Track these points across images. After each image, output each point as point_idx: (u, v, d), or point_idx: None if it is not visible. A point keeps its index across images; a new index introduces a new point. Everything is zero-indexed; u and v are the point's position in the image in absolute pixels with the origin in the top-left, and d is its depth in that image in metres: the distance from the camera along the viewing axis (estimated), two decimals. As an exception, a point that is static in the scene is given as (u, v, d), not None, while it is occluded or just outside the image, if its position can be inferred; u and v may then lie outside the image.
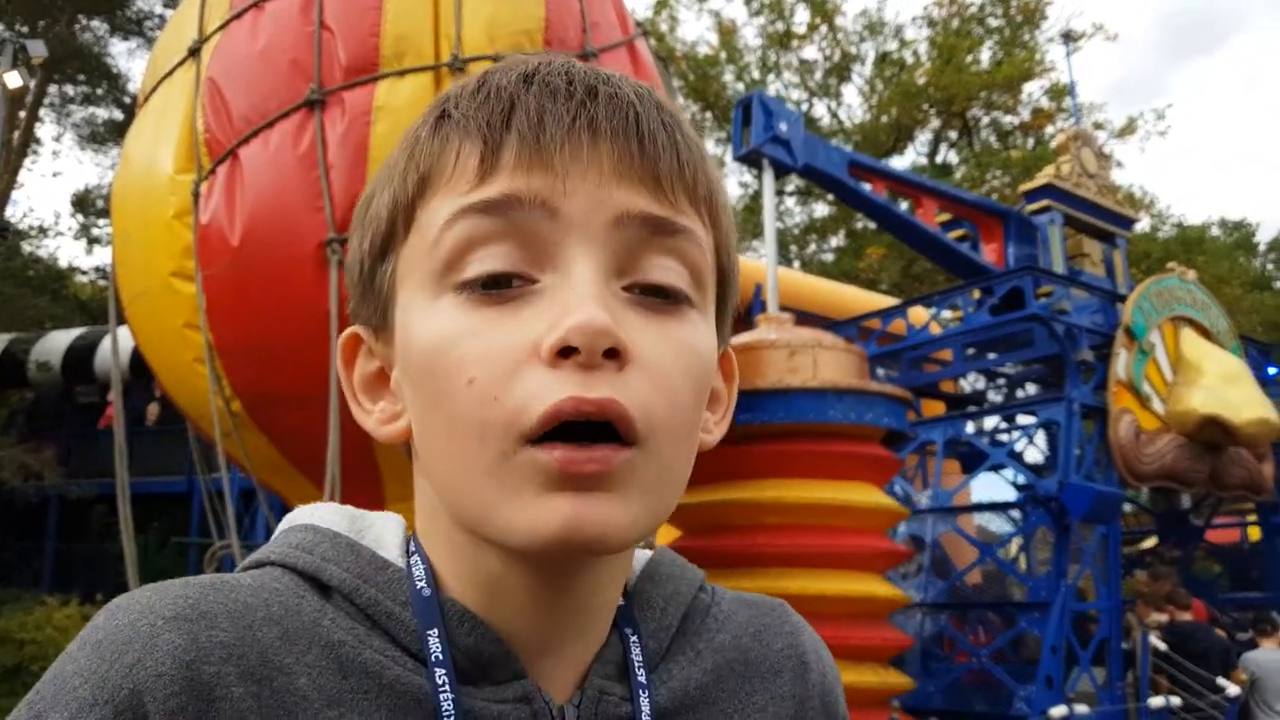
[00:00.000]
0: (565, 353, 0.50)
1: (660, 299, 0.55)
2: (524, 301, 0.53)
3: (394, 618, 0.57)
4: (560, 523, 0.50)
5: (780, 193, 24.24)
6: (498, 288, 0.53)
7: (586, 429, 0.51)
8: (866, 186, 8.60)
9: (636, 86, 0.57)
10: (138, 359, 4.68)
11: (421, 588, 0.57)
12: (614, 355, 0.51)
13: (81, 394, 14.73)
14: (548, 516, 0.51)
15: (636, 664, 0.60)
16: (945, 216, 9.44)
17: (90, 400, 14.41)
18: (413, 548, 0.60)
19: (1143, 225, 21.22)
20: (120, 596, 0.54)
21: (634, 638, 0.61)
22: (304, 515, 0.63)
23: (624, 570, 0.62)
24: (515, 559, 0.56)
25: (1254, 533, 10.03)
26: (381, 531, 0.62)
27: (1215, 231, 24.01)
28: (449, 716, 0.54)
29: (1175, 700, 6.48)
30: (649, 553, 0.68)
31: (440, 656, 0.55)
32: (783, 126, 7.46)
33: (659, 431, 0.53)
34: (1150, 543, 11.10)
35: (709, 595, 0.69)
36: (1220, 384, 8.12)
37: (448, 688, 0.54)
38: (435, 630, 0.56)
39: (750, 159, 7.61)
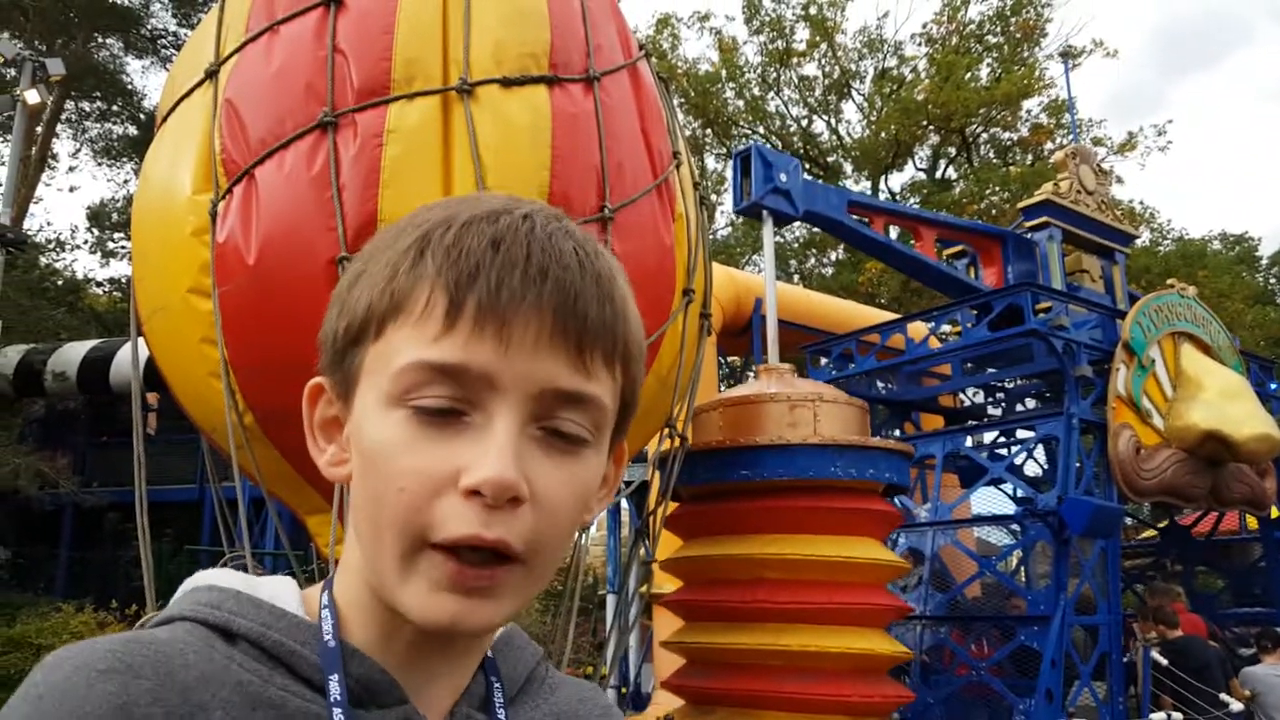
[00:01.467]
0: (477, 493, 0.63)
1: (565, 442, 0.68)
2: (455, 431, 0.65)
3: (295, 655, 0.69)
4: (447, 617, 0.65)
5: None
6: (440, 415, 0.66)
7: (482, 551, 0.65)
8: (861, 222, 8.72)
9: (584, 260, 0.70)
10: (151, 371, 4.78)
11: (328, 639, 0.70)
12: (515, 502, 0.64)
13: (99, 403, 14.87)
14: (438, 609, 0.65)
15: (497, 702, 0.77)
16: (953, 251, 9.54)
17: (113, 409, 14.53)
18: (325, 600, 0.73)
19: (1143, 240, 21.25)
20: (51, 655, 0.64)
21: (497, 684, 0.78)
22: (205, 578, 0.75)
23: (495, 631, 0.80)
24: None
25: (1251, 522, 10.00)
26: (276, 588, 0.75)
27: (1216, 245, 24.01)
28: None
29: (1177, 716, 6.51)
30: (503, 627, 0.84)
31: (339, 697, 0.68)
32: (782, 177, 7.57)
33: (540, 553, 0.67)
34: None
35: (544, 669, 0.86)
36: (1220, 399, 8.16)
37: (344, 718, 0.67)
38: (336, 675, 0.68)
39: (751, 210, 7.74)
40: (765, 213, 7.58)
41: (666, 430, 4.88)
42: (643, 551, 5.70)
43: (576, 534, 0.75)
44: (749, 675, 4.92)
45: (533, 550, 0.66)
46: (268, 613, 0.71)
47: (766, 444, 5.14)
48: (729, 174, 24.37)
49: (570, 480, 0.68)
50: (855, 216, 8.55)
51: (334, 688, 0.68)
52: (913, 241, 9.32)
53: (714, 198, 23.46)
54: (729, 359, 12.84)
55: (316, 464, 0.76)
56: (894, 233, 9.93)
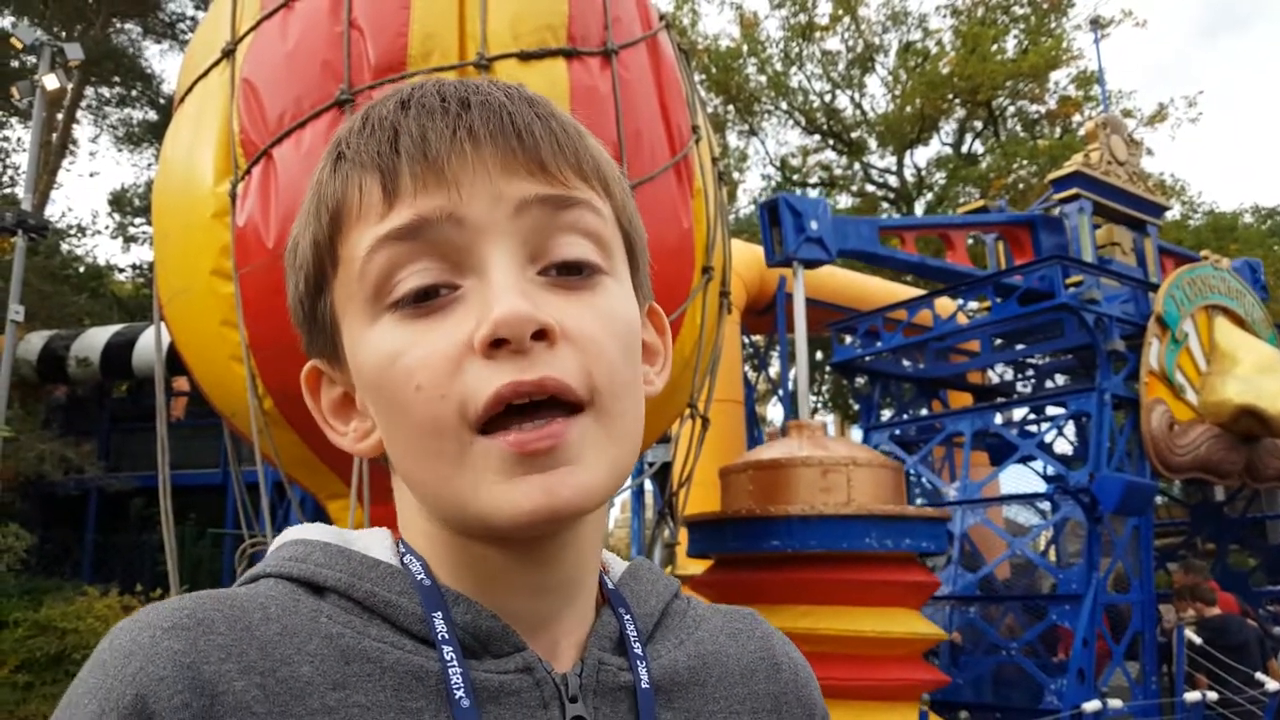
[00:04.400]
0: (497, 344, 0.55)
1: (574, 275, 0.60)
2: (452, 308, 0.58)
3: (392, 605, 0.60)
4: (534, 502, 0.56)
5: (803, 184, 24.12)
6: (426, 300, 0.58)
7: (534, 407, 0.56)
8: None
9: (506, 89, 0.63)
10: (174, 356, 4.77)
11: (421, 579, 0.62)
12: (542, 336, 0.56)
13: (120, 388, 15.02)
14: (520, 499, 0.56)
15: (632, 638, 0.66)
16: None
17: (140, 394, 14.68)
18: (403, 549, 0.65)
19: (1174, 213, 20.92)
20: (122, 621, 0.58)
21: (628, 616, 0.67)
22: (293, 533, 0.67)
23: (599, 541, 0.67)
24: (496, 543, 0.61)
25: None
26: (369, 540, 0.66)
27: (1248, 219, 23.58)
28: (458, 689, 0.57)
29: (1212, 695, 6.41)
30: (627, 562, 0.74)
31: (446, 635, 0.59)
32: (813, 225, 7.47)
33: (601, 391, 0.58)
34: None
35: (684, 602, 0.74)
36: (1256, 373, 8.01)
37: (455, 662, 0.58)
38: (439, 612, 0.60)
39: (784, 262, 7.65)
40: (796, 264, 7.50)
41: (689, 410, 4.81)
42: (666, 533, 5.65)
43: (641, 388, 0.64)
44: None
45: (591, 391, 0.58)
46: (359, 562, 0.63)
47: (798, 514, 5.01)
48: (752, 176, 24.28)
49: (599, 314, 0.59)
50: (889, 240, 8.55)
51: (439, 624, 0.59)
52: (946, 250, 9.30)
53: (736, 175, 23.29)
54: (753, 338, 12.74)
55: (343, 448, 0.67)
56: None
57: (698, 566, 5.86)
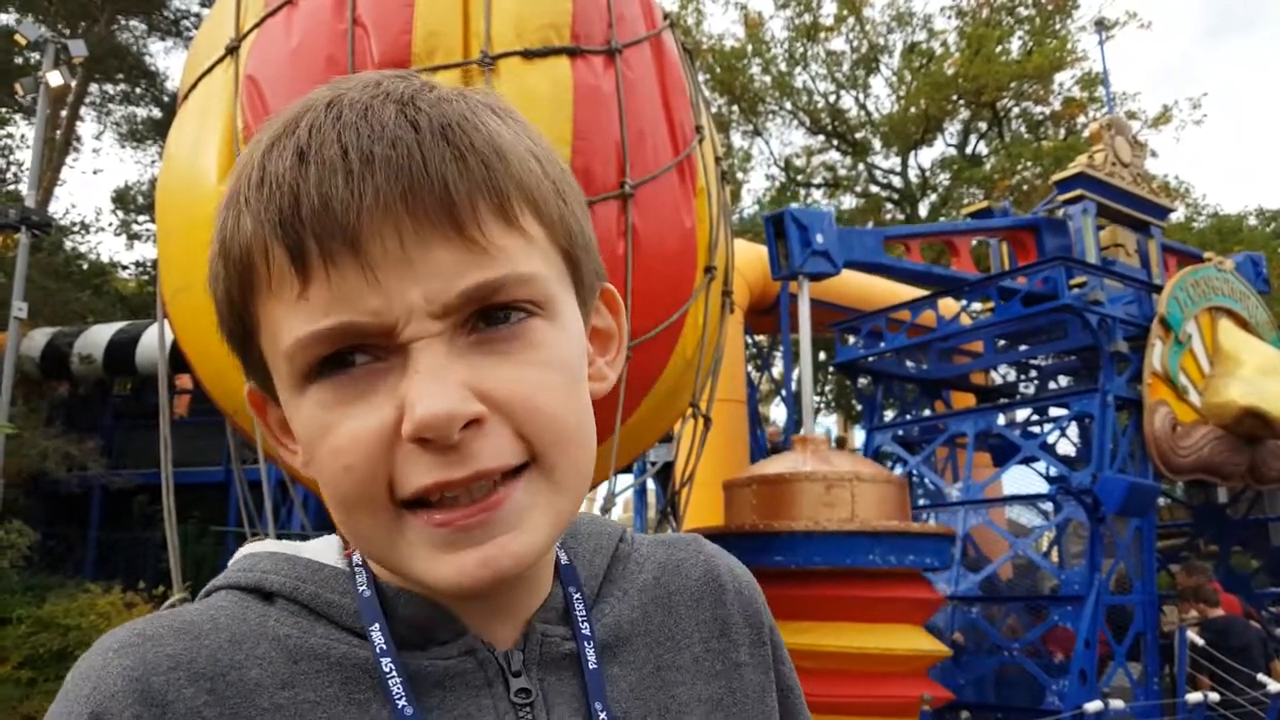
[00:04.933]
0: (424, 440, 0.54)
1: (503, 324, 0.57)
2: (376, 378, 0.56)
3: (334, 605, 0.62)
4: (472, 576, 0.56)
5: (807, 185, 24.10)
6: (342, 367, 0.56)
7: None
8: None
9: (417, 119, 0.57)
10: (177, 353, 4.77)
11: (363, 590, 0.63)
12: (473, 423, 0.55)
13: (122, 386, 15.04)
14: (451, 572, 0.56)
15: (580, 615, 0.66)
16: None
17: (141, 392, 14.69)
18: (358, 559, 0.65)
19: (1178, 215, 20.88)
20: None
21: (576, 593, 0.68)
22: (245, 549, 0.69)
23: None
24: None
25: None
26: (318, 547, 0.68)
27: (1253, 221, 23.52)
28: (400, 697, 0.59)
29: (1214, 696, 6.40)
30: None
31: (384, 646, 0.60)
32: (819, 238, 7.47)
33: (541, 451, 0.57)
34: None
35: (628, 544, 0.75)
36: (1259, 375, 8.00)
37: (395, 672, 0.60)
38: (377, 624, 0.61)
39: (791, 276, 7.67)
40: (802, 278, 7.52)
41: (691, 410, 4.80)
42: (668, 532, 5.64)
43: (587, 410, 0.62)
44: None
45: (534, 449, 0.57)
46: (304, 567, 0.65)
47: (801, 530, 5.02)
48: (755, 176, 24.24)
49: (533, 366, 0.57)
50: (894, 249, 8.55)
51: (377, 637, 0.61)
52: (951, 257, 9.31)
53: (740, 175, 23.28)
54: (756, 338, 12.73)
55: (293, 466, 0.66)
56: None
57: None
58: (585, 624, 0.66)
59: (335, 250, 0.54)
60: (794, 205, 21.27)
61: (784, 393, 12.46)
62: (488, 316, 0.57)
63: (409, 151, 0.55)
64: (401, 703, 0.59)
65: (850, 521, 4.99)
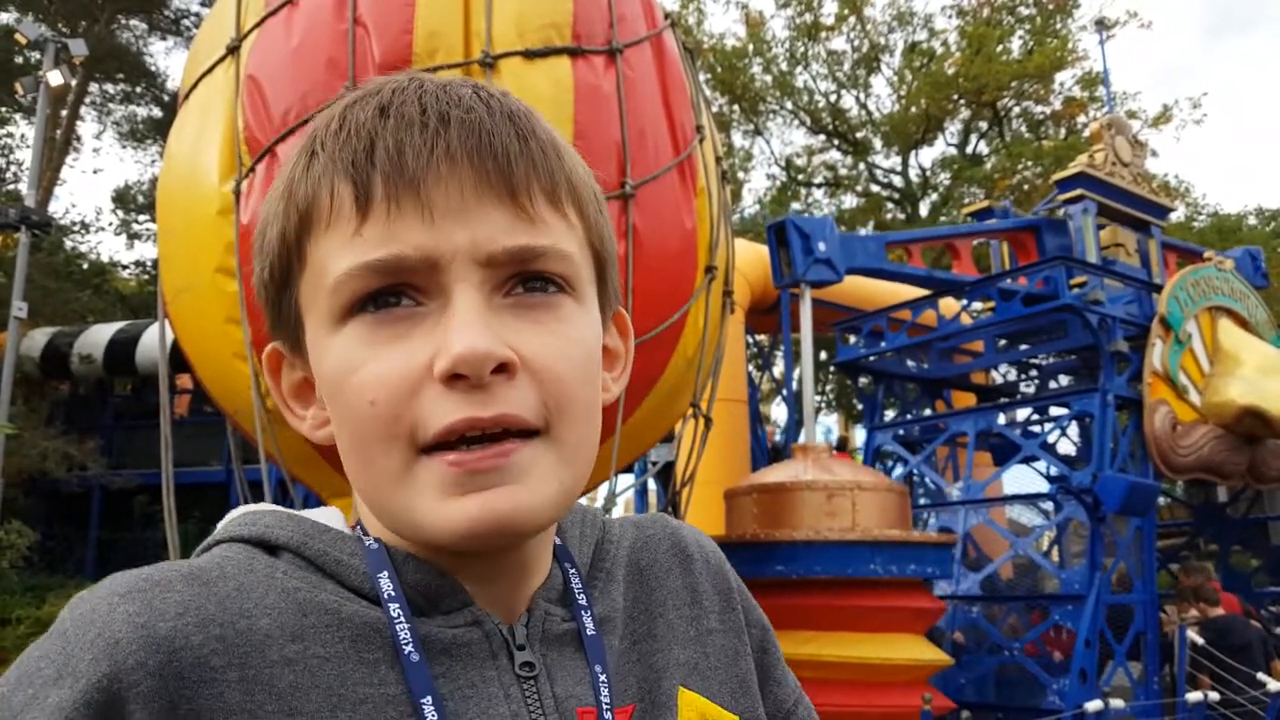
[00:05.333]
0: (456, 377, 0.56)
1: (538, 292, 0.61)
2: (413, 323, 0.58)
3: (343, 564, 0.62)
4: (469, 519, 0.57)
5: (808, 184, 24.09)
6: (389, 307, 0.59)
7: (488, 436, 0.57)
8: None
9: (489, 100, 0.62)
10: (177, 353, 4.77)
11: (370, 543, 0.64)
12: (502, 370, 0.57)
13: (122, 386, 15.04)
14: (455, 516, 0.57)
15: (577, 590, 0.69)
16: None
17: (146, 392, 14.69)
18: (358, 523, 0.67)
19: (1178, 215, 20.88)
20: (82, 591, 0.58)
21: (572, 570, 0.70)
22: (242, 508, 0.69)
23: (553, 528, 0.71)
24: (444, 553, 0.63)
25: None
26: (321, 514, 0.68)
27: (1252, 221, 23.53)
28: (407, 644, 0.59)
29: (1214, 695, 6.41)
30: None
31: (393, 593, 0.61)
32: (821, 246, 7.51)
33: (555, 419, 0.60)
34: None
35: (605, 530, 0.78)
36: (1259, 375, 8.00)
37: (402, 618, 0.60)
38: (385, 572, 0.62)
39: (793, 284, 7.70)
40: (804, 286, 7.54)
41: (691, 410, 4.80)
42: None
43: (598, 404, 0.65)
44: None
45: (549, 417, 0.59)
46: (310, 525, 0.65)
47: (802, 539, 5.01)
48: (756, 175, 24.23)
49: (560, 337, 0.61)
50: (895, 254, 8.58)
51: (385, 584, 0.61)
52: (952, 260, 9.31)
53: (741, 175, 23.27)
54: (757, 337, 12.73)
55: (300, 432, 0.68)
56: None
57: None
58: (582, 595, 0.68)
59: (400, 192, 0.58)
60: (795, 208, 21.28)
61: (785, 392, 12.46)
62: (526, 284, 0.60)
63: (480, 121, 0.60)
64: (408, 649, 0.59)
65: (851, 531, 5.00)
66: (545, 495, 0.59)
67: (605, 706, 0.64)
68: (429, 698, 0.58)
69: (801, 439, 7.50)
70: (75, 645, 0.54)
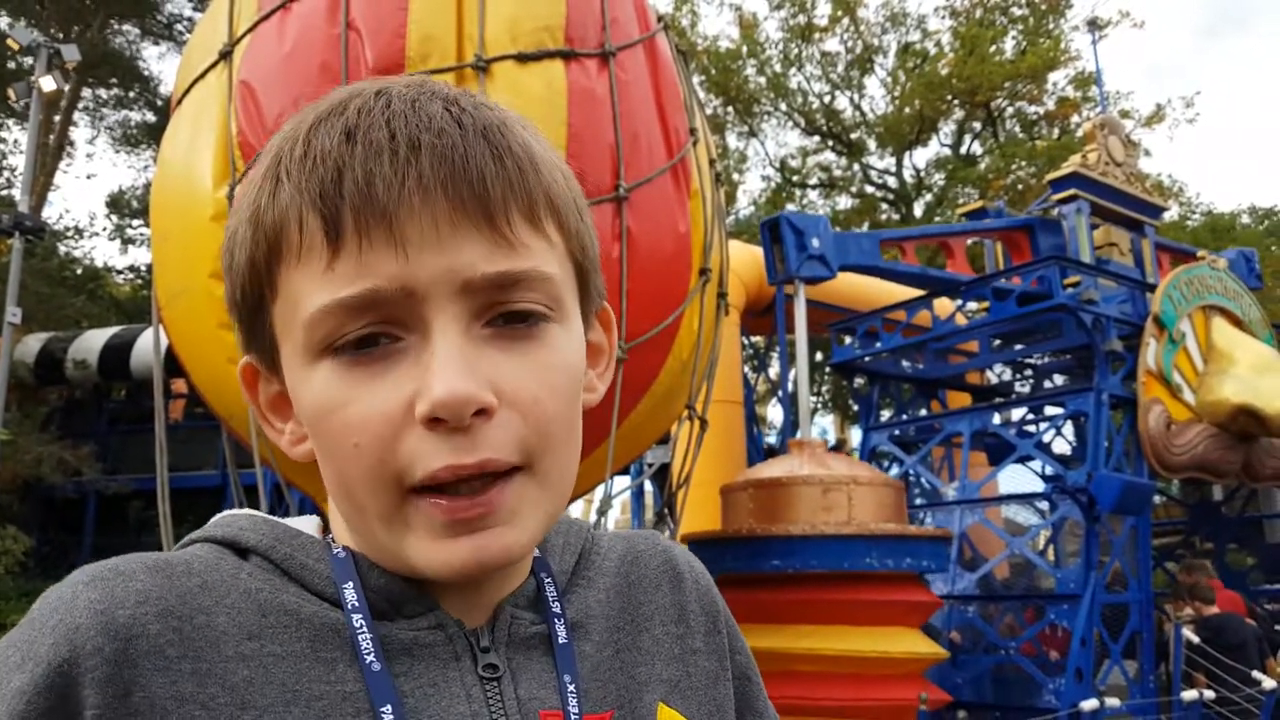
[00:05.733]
0: (437, 420, 0.56)
1: (519, 324, 0.60)
2: (392, 361, 0.58)
3: (308, 569, 0.63)
4: (463, 561, 0.58)
5: (803, 185, 24.12)
6: (366, 348, 0.58)
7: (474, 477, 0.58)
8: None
9: (461, 117, 0.60)
10: (172, 358, 4.77)
11: (337, 551, 0.64)
12: (482, 413, 0.57)
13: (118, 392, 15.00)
14: (449, 559, 0.58)
15: (551, 596, 0.69)
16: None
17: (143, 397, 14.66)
18: (332, 537, 0.67)
19: (1171, 214, 20.94)
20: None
21: (548, 579, 0.70)
22: (224, 513, 0.70)
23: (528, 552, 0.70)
24: None
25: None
26: (298, 522, 0.69)
27: (1246, 219, 23.59)
28: (368, 653, 0.60)
29: (1209, 694, 6.42)
30: None
31: (356, 603, 0.61)
32: (814, 242, 7.52)
33: (538, 453, 0.60)
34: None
35: (591, 542, 0.77)
36: (1252, 373, 8.02)
37: (365, 628, 0.61)
38: (351, 583, 0.62)
39: (787, 280, 7.71)
40: (798, 282, 7.54)
41: (687, 412, 4.81)
42: (665, 533, 5.65)
43: (578, 423, 0.65)
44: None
45: (531, 455, 0.59)
46: (281, 530, 0.66)
47: (799, 534, 5.02)
48: (751, 177, 24.25)
49: (542, 367, 0.60)
50: (889, 252, 8.60)
51: (349, 594, 0.62)
52: (946, 259, 9.33)
53: (735, 177, 23.29)
54: (752, 339, 12.74)
55: (280, 447, 0.68)
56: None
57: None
58: (556, 604, 0.68)
59: (371, 226, 0.56)
60: (790, 208, 21.29)
61: (780, 393, 12.47)
62: (508, 317, 0.59)
63: (453, 144, 0.58)
64: (370, 658, 0.59)
65: (847, 525, 5.00)
66: (531, 529, 0.60)
67: (574, 715, 0.64)
68: (389, 706, 0.59)
69: (799, 434, 7.51)
70: (39, 631, 0.55)
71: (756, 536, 5.13)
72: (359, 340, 0.58)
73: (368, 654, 0.60)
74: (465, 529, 0.58)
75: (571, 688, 0.65)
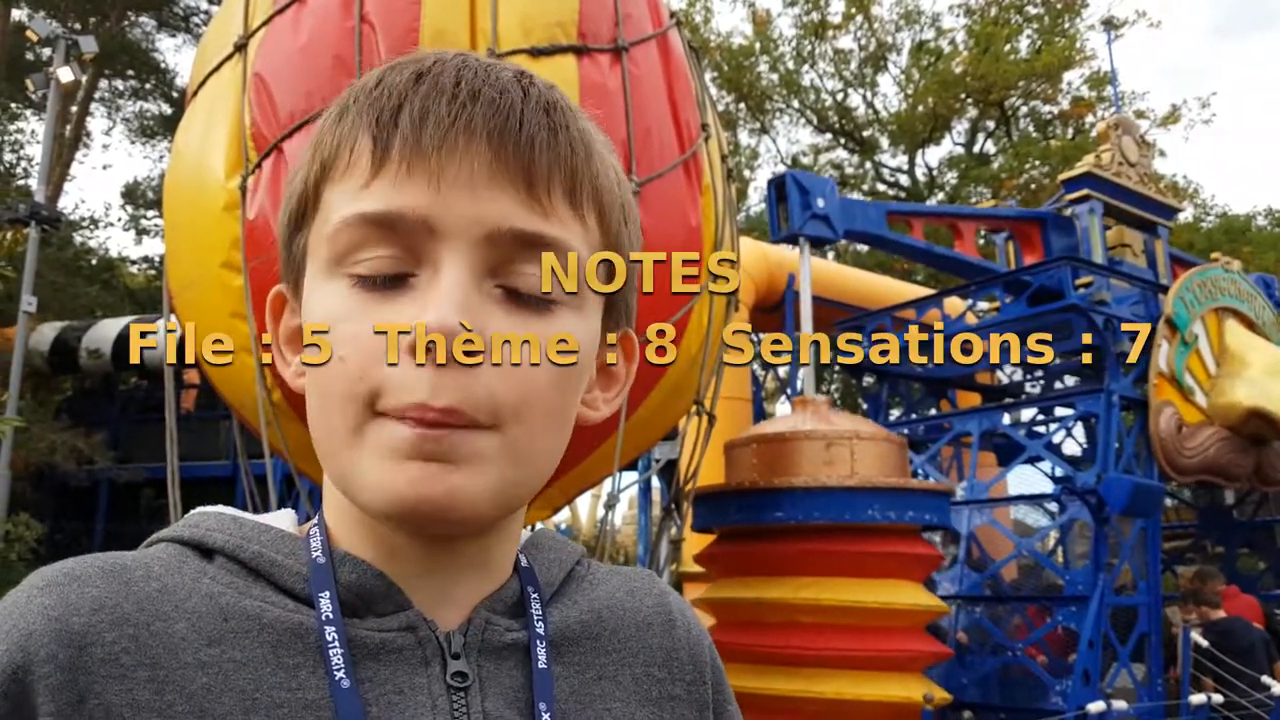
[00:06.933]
0: (424, 349, 0.56)
1: (530, 300, 0.60)
2: (398, 292, 0.59)
3: (277, 565, 0.62)
4: (406, 486, 0.57)
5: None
6: (380, 281, 0.59)
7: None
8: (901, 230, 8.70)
9: (529, 88, 0.61)
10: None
11: (317, 555, 0.63)
12: (470, 355, 0.56)
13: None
14: (395, 480, 0.57)
15: (535, 614, 0.67)
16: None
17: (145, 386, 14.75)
18: (316, 520, 0.67)
19: (1186, 215, 20.81)
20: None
21: (534, 592, 0.68)
22: (196, 511, 0.69)
23: (515, 529, 0.69)
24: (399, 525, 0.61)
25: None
26: (271, 518, 0.68)
27: (1261, 221, 23.44)
28: (339, 669, 0.58)
29: (1217, 698, 6.40)
30: (528, 531, 0.76)
31: (331, 615, 0.60)
32: (820, 202, 7.44)
33: (511, 419, 0.59)
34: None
35: (584, 567, 0.76)
36: (1265, 376, 7.97)
37: (337, 643, 0.59)
38: (327, 592, 0.61)
39: (790, 239, 7.65)
40: (802, 240, 7.48)
41: (695, 408, 4.81)
42: (673, 529, 5.67)
43: (570, 414, 0.64)
44: (783, 723, 4.84)
45: (500, 417, 0.58)
46: (250, 527, 0.65)
47: (801, 486, 5.02)
48: (762, 174, 24.21)
49: (540, 336, 0.59)
50: (896, 225, 8.51)
51: (324, 604, 0.60)
52: (954, 240, 9.27)
53: (747, 173, 23.26)
54: (761, 336, 12.71)
55: (284, 377, 0.69)
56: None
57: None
58: (540, 624, 0.66)
59: (414, 156, 0.58)
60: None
61: (789, 391, 12.46)
62: (519, 292, 0.60)
63: (512, 105, 0.60)
64: (340, 675, 0.58)
65: (850, 478, 5.00)
66: (483, 484, 0.58)
67: None
68: None
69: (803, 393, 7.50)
70: None
71: (759, 489, 5.14)
72: (379, 276, 0.59)
73: (338, 670, 0.58)
74: (418, 453, 0.56)
75: (546, 716, 0.63)
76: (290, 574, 0.62)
